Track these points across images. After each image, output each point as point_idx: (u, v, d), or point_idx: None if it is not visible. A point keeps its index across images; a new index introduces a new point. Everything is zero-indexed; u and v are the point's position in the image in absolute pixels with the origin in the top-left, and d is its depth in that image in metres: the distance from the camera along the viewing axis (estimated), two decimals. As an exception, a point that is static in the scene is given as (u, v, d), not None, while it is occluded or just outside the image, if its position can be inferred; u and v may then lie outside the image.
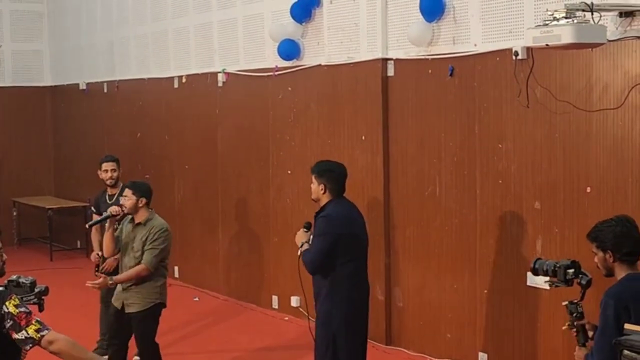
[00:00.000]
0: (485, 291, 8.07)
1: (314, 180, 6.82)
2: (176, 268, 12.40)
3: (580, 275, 5.29)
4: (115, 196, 8.73)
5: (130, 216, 7.53)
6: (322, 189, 6.76)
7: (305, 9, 9.81)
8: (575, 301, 5.34)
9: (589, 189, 7.14)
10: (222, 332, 9.95)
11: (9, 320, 4.41)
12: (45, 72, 15.97)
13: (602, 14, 6.57)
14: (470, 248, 8.18)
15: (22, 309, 4.48)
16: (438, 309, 8.60)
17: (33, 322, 4.46)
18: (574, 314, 5.29)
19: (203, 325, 9.83)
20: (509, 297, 7.86)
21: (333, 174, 6.85)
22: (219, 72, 11.32)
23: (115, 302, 7.58)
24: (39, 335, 4.45)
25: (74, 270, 12.37)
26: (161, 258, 7.47)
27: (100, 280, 7.37)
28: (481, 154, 8.03)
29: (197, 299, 11.53)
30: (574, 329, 5.31)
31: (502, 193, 7.86)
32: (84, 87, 14.71)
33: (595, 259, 5.05)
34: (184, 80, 12.11)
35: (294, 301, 10.22)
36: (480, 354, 8.14)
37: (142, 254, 7.39)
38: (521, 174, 7.69)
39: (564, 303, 5.34)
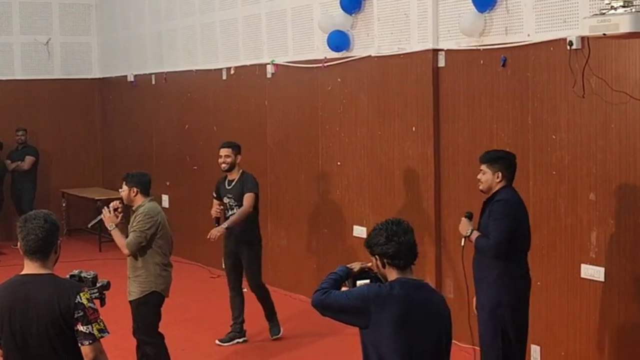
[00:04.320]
0: (539, 283, 7.99)
1: (485, 169, 6.70)
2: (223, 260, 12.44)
3: None
4: (235, 181, 9.16)
5: None
6: (497, 177, 6.66)
7: (354, -1, 9.78)
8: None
9: (645, 180, 7.07)
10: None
11: (79, 311, 4.47)
12: (93, 64, 16.09)
13: (661, 2, 6.47)
14: (523, 240, 8.11)
15: (92, 305, 4.55)
16: (490, 301, 8.53)
17: (98, 320, 4.54)
18: None
19: (252, 316, 9.84)
20: (563, 289, 7.79)
21: (507, 161, 6.76)
22: (268, 64, 11.33)
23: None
24: (99, 335, 4.53)
25: (123, 261, 12.38)
26: (142, 241, 7.50)
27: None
28: (534, 145, 7.96)
29: (245, 290, 11.55)
30: None
31: (556, 184, 7.79)
32: (132, 79, 14.80)
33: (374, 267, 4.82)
34: (232, 72, 12.13)
35: (343, 292, 10.21)
36: (533, 347, 8.07)
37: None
38: (575, 165, 7.62)
39: None
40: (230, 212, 9.21)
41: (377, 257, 4.66)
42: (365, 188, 9.91)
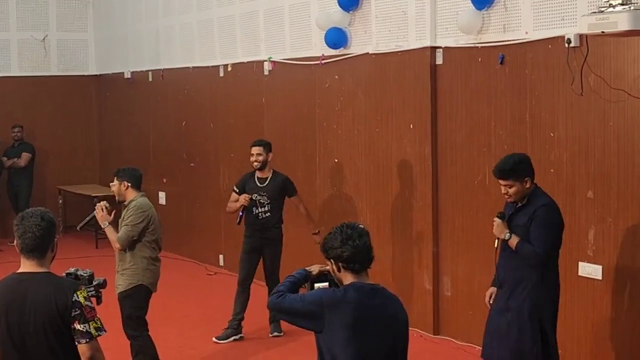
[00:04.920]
0: (536, 281, 8.00)
1: (512, 183, 6.39)
2: (221, 257, 12.45)
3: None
4: (268, 180, 9.27)
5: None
6: (527, 184, 6.40)
7: (352, -3, 9.76)
8: None
9: (643, 179, 7.06)
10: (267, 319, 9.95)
11: (76, 309, 4.45)
12: (90, 61, 16.06)
13: (660, 0, 6.47)
14: (521, 238, 8.09)
15: (89, 303, 4.53)
16: (487, 298, 8.52)
17: (95, 319, 4.52)
18: None
19: (249, 313, 9.84)
20: (560, 287, 7.77)
21: (525, 164, 6.50)
22: (265, 61, 11.31)
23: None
24: (96, 333, 4.51)
25: (120, 258, 12.47)
26: (134, 235, 7.52)
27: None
28: (532, 143, 7.95)
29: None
30: None
31: (553, 182, 7.77)
32: (129, 76, 14.77)
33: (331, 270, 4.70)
34: (229, 68, 12.11)
35: (340, 290, 10.20)
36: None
37: None
38: (574, 163, 7.61)
39: None
40: (260, 209, 9.24)
41: (332, 260, 4.57)
42: (362, 185, 9.90)
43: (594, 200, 7.45)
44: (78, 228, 8.33)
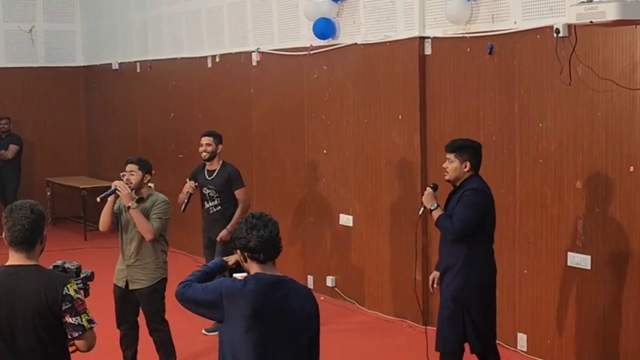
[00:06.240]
0: (525, 271, 8.02)
1: (453, 158, 6.62)
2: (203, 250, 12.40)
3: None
4: (216, 172, 9.12)
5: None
6: (465, 166, 6.59)
7: (341, -13, 9.73)
8: None
9: (632, 169, 7.07)
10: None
11: (67, 303, 4.44)
12: (77, 52, 15.99)
13: (648, -10, 6.46)
14: (510, 228, 8.12)
15: (79, 296, 4.52)
16: (476, 289, 8.53)
17: (86, 311, 4.51)
18: None
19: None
20: (549, 278, 7.80)
21: (474, 150, 6.70)
22: (253, 52, 11.28)
23: (118, 280, 7.55)
24: (89, 326, 4.50)
25: (108, 250, 12.39)
26: (164, 228, 7.46)
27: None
28: (521, 133, 7.95)
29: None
30: None
31: (542, 173, 7.79)
32: (117, 67, 14.71)
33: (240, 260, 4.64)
34: (217, 59, 12.08)
35: (329, 281, 10.22)
36: (519, 335, 8.09)
37: None
38: (562, 153, 7.62)
39: None
40: (210, 203, 9.15)
41: (239, 250, 4.53)
42: (351, 176, 9.90)
43: (583, 190, 7.46)
44: (98, 200, 7.78)
